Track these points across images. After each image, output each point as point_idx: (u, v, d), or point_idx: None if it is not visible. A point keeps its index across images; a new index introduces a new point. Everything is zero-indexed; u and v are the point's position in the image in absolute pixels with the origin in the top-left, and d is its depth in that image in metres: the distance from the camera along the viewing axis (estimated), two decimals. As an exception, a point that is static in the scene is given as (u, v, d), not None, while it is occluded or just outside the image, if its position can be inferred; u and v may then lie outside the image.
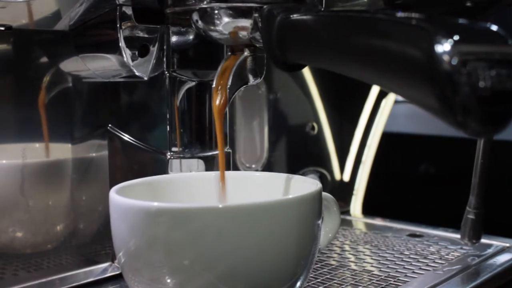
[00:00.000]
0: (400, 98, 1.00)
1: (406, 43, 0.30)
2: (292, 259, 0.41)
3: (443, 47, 0.28)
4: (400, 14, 0.32)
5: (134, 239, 0.40)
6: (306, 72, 0.81)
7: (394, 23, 0.32)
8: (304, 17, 0.40)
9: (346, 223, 0.80)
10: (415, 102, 0.30)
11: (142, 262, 0.40)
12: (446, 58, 0.28)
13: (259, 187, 0.50)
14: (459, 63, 0.28)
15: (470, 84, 0.28)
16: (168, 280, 0.40)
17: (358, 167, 0.86)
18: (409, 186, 1.05)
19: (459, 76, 0.28)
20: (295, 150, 0.80)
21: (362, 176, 0.87)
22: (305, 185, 0.46)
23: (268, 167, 0.75)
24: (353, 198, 0.87)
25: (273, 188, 0.49)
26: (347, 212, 0.86)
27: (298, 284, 0.42)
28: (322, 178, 0.82)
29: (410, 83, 0.30)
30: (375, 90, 0.85)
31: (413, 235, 0.72)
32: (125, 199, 0.41)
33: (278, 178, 0.50)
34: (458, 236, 0.68)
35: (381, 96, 0.85)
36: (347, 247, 0.68)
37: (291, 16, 0.41)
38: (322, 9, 0.44)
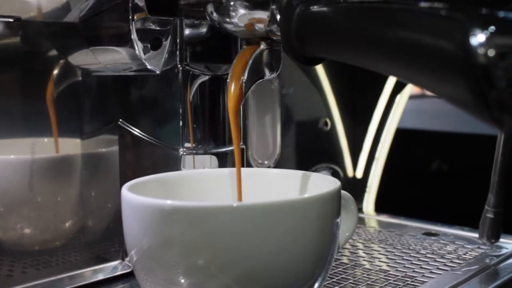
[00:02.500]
0: (414, 93, 0.99)
1: (437, 35, 0.29)
2: (311, 259, 0.40)
3: (478, 38, 0.27)
4: (423, 4, 0.31)
5: (147, 238, 0.39)
6: (319, 67, 0.80)
7: (423, 14, 0.31)
8: (325, 8, 0.38)
9: (359, 221, 0.78)
10: (446, 97, 0.29)
11: (155, 262, 0.39)
12: (481, 50, 0.26)
13: (276, 185, 0.49)
14: (495, 56, 0.26)
15: (507, 78, 0.26)
16: (182, 281, 0.38)
17: (371, 163, 0.85)
18: (423, 184, 1.04)
19: (495, 69, 0.26)
20: (308, 146, 0.78)
21: (375, 173, 0.85)
22: (323, 183, 0.44)
23: (280, 163, 0.74)
24: (366, 195, 0.85)
25: (290, 186, 0.48)
26: (359, 209, 0.85)
27: (316, 285, 0.41)
28: (334, 175, 0.81)
29: (442, 77, 0.28)
30: (389, 85, 0.83)
31: (428, 233, 0.71)
32: (139, 197, 0.39)
33: (295, 176, 0.48)
34: (474, 235, 0.67)
35: (395, 91, 0.84)
36: (361, 246, 0.67)
37: (311, 7, 0.39)
38: (342, 0, 0.42)
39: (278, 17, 0.43)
